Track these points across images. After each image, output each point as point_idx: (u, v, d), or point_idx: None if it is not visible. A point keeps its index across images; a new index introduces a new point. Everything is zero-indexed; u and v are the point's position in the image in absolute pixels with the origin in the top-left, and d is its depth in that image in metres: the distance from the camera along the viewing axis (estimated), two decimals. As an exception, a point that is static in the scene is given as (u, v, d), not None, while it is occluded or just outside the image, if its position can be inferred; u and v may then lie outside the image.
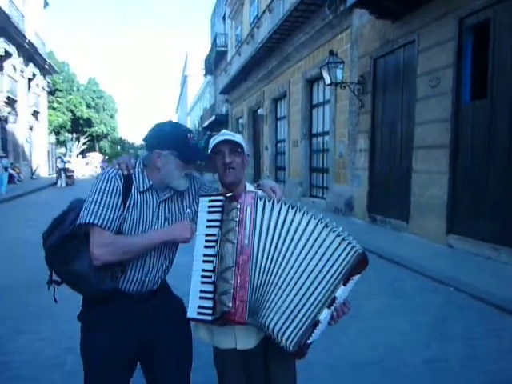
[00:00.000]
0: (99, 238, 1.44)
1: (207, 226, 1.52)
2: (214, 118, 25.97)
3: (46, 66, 27.17)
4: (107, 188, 1.50)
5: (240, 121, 20.65)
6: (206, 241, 1.51)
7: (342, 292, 1.45)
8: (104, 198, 1.47)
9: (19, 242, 7.49)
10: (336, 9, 9.39)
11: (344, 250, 1.44)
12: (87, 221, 1.43)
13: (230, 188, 1.65)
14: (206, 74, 30.88)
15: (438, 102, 6.45)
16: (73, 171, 23.56)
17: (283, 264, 1.44)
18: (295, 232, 1.45)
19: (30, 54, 23.52)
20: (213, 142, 1.66)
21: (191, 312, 1.48)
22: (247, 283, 1.42)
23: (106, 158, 41.85)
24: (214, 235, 1.48)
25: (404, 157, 7.43)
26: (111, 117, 47.84)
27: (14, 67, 21.32)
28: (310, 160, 12.32)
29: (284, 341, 1.44)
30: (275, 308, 1.45)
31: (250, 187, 1.75)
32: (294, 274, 1.44)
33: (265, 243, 1.44)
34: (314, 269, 1.44)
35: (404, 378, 2.83)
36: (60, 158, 23.22)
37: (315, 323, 1.45)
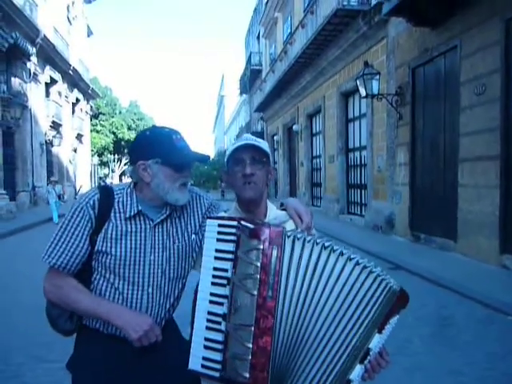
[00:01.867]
0: (51, 275, 1.35)
1: (216, 258, 1.19)
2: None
3: (90, 91, 28.48)
4: (72, 223, 1.32)
5: (275, 138, 20.54)
6: (214, 276, 1.19)
7: (377, 341, 1.14)
8: (64, 235, 1.32)
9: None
10: (370, 20, 9.11)
11: (377, 289, 1.11)
12: (44, 259, 1.33)
13: (249, 207, 1.36)
14: (241, 93, 31.25)
15: (485, 110, 5.95)
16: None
17: (313, 320, 1.11)
18: (328, 279, 1.12)
19: (75, 80, 24.75)
20: (232, 146, 1.35)
21: (194, 363, 1.18)
22: (269, 347, 1.09)
23: None
24: (226, 271, 1.16)
25: (448, 170, 6.91)
26: (151, 138, 49.36)
27: (60, 93, 22.45)
28: (347, 176, 11.90)
29: None
30: (302, 376, 1.13)
31: (272, 207, 1.44)
32: (326, 331, 1.12)
33: (292, 295, 1.11)
34: (347, 321, 1.12)
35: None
36: (101, 179, 24.10)
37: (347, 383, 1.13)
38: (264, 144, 1.35)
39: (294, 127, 16.42)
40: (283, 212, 1.43)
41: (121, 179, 45.87)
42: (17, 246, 9.69)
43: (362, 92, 8.35)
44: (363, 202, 10.83)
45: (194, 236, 1.43)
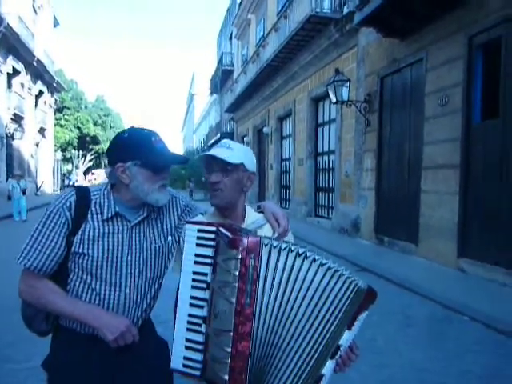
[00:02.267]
0: (27, 276, 1.34)
1: (195, 262, 1.23)
2: (218, 136, 26.02)
3: (54, 84, 27.53)
4: (47, 225, 1.31)
5: (245, 139, 20.59)
6: (194, 280, 1.23)
7: (347, 337, 1.21)
8: (40, 238, 1.31)
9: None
10: (342, 28, 9.35)
11: (346, 290, 1.19)
12: (19, 260, 1.32)
13: (223, 212, 1.41)
14: (211, 93, 31.14)
15: (448, 121, 6.27)
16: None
17: (288, 323, 1.18)
18: (302, 284, 1.18)
19: (39, 72, 23.84)
20: (202, 154, 1.40)
21: (175, 363, 1.22)
22: (247, 351, 1.15)
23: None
24: (205, 275, 1.21)
25: (412, 177, 7.21)
26: (118, 134, 48.28)
27: (22, 85, 21.56)
28: (316, 179, 12.14)
29: None
30: (279, 375, 1.19)
31: (250, 211, 1.48)
32: (300, 333, 1.18)
33: (268, 301, 1.17)
34: (319, 322, 1.19)
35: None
36: (65, 175, 23.39)
37: (318, 379, 1.20)
38: (235, 151, 1.36)
39: (265, 129, 16.54)
40: (260, 215, 1.47)
41: (85, 176, 44.54)
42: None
43: (333, 98, 8.56)
44: (330, 205, 11.09)
45: (169, 237, 1.45)
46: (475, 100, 5.91)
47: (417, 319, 4.36)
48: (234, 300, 1.14)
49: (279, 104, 14.96)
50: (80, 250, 1.31)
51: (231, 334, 1.14)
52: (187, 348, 1.21)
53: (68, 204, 1.32)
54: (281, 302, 1.17)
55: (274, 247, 1.17)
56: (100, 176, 40.30)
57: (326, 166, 11.40)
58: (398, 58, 7.55)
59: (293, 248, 1.18)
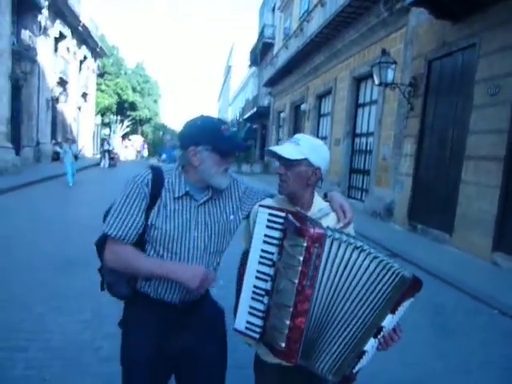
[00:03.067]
0: (112, 244, 1.48)
1: (264, 241, 1.42)
2: (255, 109, 25.96)
3: (98, 49, 28.05)
4: (130, 198, 1.47)
5: (282, 115, 20.50)
6: (261, 257, 1.43)
7: (389, 320, 1.37)
8: (123, 210, 1.46)
9: (67, 221, 7.81)
10: (392, 6, 9.04)
11: (393, 280, 1.33)
12: (105, 230, 1.47)
13: (291, 200, 1.57)
14: (250, 65, 30.85)
15: (496, 111, 6.08)
16: (116, 153, 24.30)
17: (340, 305, 1.36)
18: (356, 273, 1.34)
19: (84, 37, 24.34)
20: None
21: (239, 324, 1.44)
22: (303, 325, 1.34)
23: (145, 141, 42.60)
24: (272, 253, 1.40)
25: (453, 166, 7.09)
26: (155, 102, 48.77)
27: (68, 49, 22.14)
28: (351, 160, 12.06)
29: (330, 375, 1.38)
30: (327, 350, 1.38)
31: (318, 200, 1.62)
32: (350, 313, 1.36)
33: (325, 285, 1.35)
34: (366, 306, 1.35)
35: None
36: (107, 140, 24.03)
37: (361, 354, 1.38)
38: (296, 148, 1.49)
39: (303, 106, 16.40)
40: (327, 204, 1.61)
41: (122, 141, 45.66)
42: (25, 201, 9.88)
43: (376, 80, 8.39)
44: (364, 187, 11.04)
45: (231, 217, 1.61)
46: (528, 91, 5.69)
47: (445, 308, 4.44)
48: (296, 281, 1.32)
49: (319, 81, 14.75)
50: (155, 224, 1.48)
51: (291, 309, 1.32)
52: (250, 314, 1.42)
53: (146, 181, 1.48)
54: (336, 287, 1.35)
55: (336, 239, 1.33)
56: (136, 142, 41.16)
57: (364, 148, 11.29)
58: (448, 42, 7.29)
59: (352, 241, 1.34)
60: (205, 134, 1.48)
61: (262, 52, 25.52)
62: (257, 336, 1.41)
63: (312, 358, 1.38)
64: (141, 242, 1.52)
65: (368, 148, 10.92)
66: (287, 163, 1.51)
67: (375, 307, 1.35)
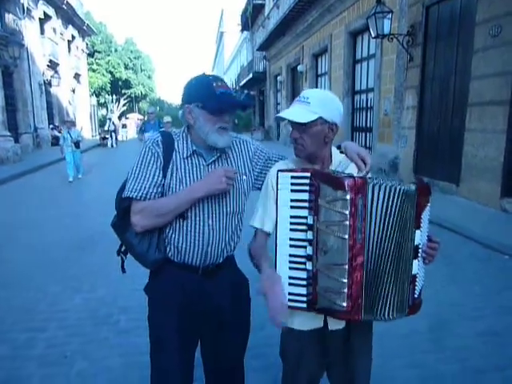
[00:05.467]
0: (135, 206, 1.49)
1: (292, 207, 1.36)
2: (251, 75, 25.41)
3: (85, 28, 27.31)
4: (145, 160, 1.50)
5: (278, 78, 20.07)
6: (292, 223, 1.36)
7: (419, 237, 1.36)
8: (141, 171, 1.49)
9: (75, 204, 7.85)
10: (384, -49, 8.59)
11: (406, 200, 1.31)
12: (126, 194, 1.49)
13: (309, 159, 1.49)
14: (242, 30, 29.95)
15: (499, 53, 5.86)
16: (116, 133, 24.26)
17: (387, 247, 1.32)
18: (392, 210, 1.30)
19: (69, 16, 23.64)
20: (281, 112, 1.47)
21: None
22: (361, 279, 1.29)
23: (139, 119, 42.12)
24: (304, 217, 1.33)
25: (456, 114, 6.93)
26: (149, 77, 47.94)
27: (54, 30, 21.56)
28: (353, 118, 11.85)
29: (396, 315, 1.37)
30: (385, 294, 1.34)
31: (336, 153, 1.54)
32: (395, 251, 1.33)
33: (374, 233, 1.30)
34: (401, 235, 1.33)
35: (454, 351, 2.74)
36: (111, 120, 23.81)
37: (412, 279, 1.37)
38: (306, 108, 1.39)
39: (299, 67, 16.00)
40: (343, 156, 1.54)
41: (120, 120, 45.26)
42: (29, 188, 9.91)
43: (373, 32, 8.09)
44: (368, 145, 10.90)
45: (244, 177, 1.60)
46: (532, 29, 5.46)
47: (456, 258, 4.45)
48: (346, 236, 1.27)
49: (314, 40, 14.31)
50: (170, 184, 1.49)
51: (345, 266, 1.28)
52: (291, 284, 1.37)
53: (157, 142, 1.52)
54: (382, 230, 1.30)
55: (375, 184, 1.28)
56: (134, 120, 40.73)
57: (364, 105, 11.06)
58: (446, -16, 6.96)
59: (386, 182, 1.29)
60: (197, 92, 1.48)
61: (252, 15, 24.67)
62: (304, 306, 1.36)
63: (374, 309, 1.34)
64: None
65: (369, 104, 10.70)
66: (300, 127, 1.42)
67: (406, 231, 1.33)
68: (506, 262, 4.29)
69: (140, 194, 1.48)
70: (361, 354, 1.57)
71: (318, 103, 1.41)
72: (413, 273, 1.36)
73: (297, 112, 1.41)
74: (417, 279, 1.38)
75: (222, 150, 1.55)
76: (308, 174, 1.32)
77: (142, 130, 9.91)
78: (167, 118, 9.16)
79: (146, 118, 13.31)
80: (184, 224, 1.52)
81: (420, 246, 1.37)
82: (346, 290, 1.28)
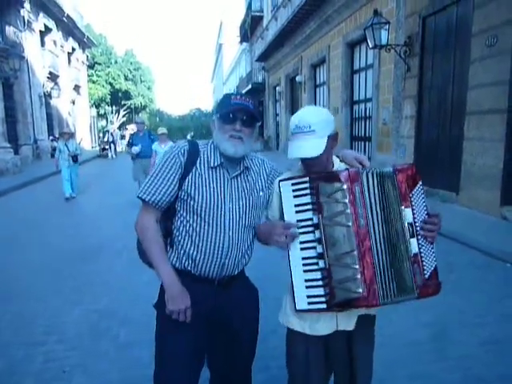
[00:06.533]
0: (144, 211, 1.57)
1: (297, 212, 1.42)
2: (250, 86, 25.56)
3: (85, 40, 27.55)
4: (166, 166, 1.54)
5: (277, 89, 20.20)
6: (300, 227, 1.41)
7: (409, 215, 1.40)
8: (159, 177, 1.54)
9: (75, 215, 7.83)
10: (381, -36, 8.72)
11: (389, 180, 1.40)
12: (139, 195, 1.56)
13: (310, 167, 1.50)
14: (241, 42, 30.21)
15: (495, 62, 5.91)
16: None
17: (386, 230, 1.38)
18: (388, 196, 1.39)
19: (69, 28, 23.86)
20: (290, 123, 1.49)
21: (301, 304, 1.41)
22: (372, 263, 1.35)
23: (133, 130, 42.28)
24: (310, 219, 1.39)
25: (454, 123, 6.97)
26: (148, 88, 48.19)
27: (55, 42, 21.75)
28: (352, 128, 11.90)
29: (402, 297, 1.40)
30: (392, 277, 1.38)
31: (337, 162, 1.57)
32: (396, 232, 1.39)
33: (377, 218, 1.37)
34: (394, 216, 1.40)
35: (457, 360, 2.72)
36: (109, 131, 24.01)
37: (414, 259, 1.39)
38: (313, 137, 1.41)
39: (297, 78, 16.11)
40: (343, 164, 1.59)
41: (120, 130, 45.40)
42: (29, 199, 9.90)
43: (371, 43, 8.17)
44: (367, 154, 10.93)
45: (261, 193, 1.64)
46: (527, 39, 5.52)
47: (458, 266, 4.43)
48: (350, 223, 1.34)
49: (312, 51, 14.44)
50: (191, 193, 1.52)
51: (355, 252, 1.34)
52: (308, 287, 1.41)
53: (182, 151, 1.56)
54: (383, 215, 1.38)
55: (368, 173, 1.37)
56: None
57: (363, 115, 11.12)
58: (442, -4, 7.05)
59: (377, 169, 1.39)
60: (218, 105, 1.61)
61: (251, 26, 24.92)
62: (324, 306, 1.39)
63: (389, 293, 1.37)
64: (171, 212, 1.58)
65: (367, 114, 10.76)
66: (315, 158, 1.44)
67: (395, 211, 1.39)
68: (507, 269, 4.27)
69: (152, 198, 1.53)
70: (363, 358, 1.59)
71: (322, 126, 1.43)
72: (413, 252, 1.39)
73: (308, 146, 1.41)
74: (422, 259, 1.40)
75: (246, 166, 1.61)
76: (306, 179, 1.40)
77: (129, 143, 8.56)
78: (162, 130, 7.74)
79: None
80: (206, 234, 1.54)
81: (417, 225, 1.40)
82: (359, 276, 1.33)
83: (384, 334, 3.07)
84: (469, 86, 6.47)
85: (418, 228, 1.40)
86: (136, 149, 7.99)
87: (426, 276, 1.40)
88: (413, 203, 1.40)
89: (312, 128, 1.41)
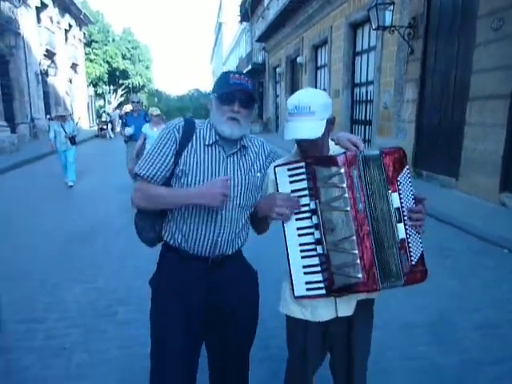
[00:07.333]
0: (137, 183, 1.56)
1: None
2: (250, 67, 25.22)
3: (82, 17, 26.99)
4: (160, 142, 1.54)
5: (277, 70, 19.95)
6: (297, 213, 1.39)
7: (396, 199, 1.36)
8: (154, 152, 1.53)
9: (73, 195, 7.81)
10: None
11: (377, 165, 1.36)
12: (135, 170, 1.55)
13: (307, 150, 1.48)
14: (241, 21, 29.67)
15: (500, 47, 5.83)
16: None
17: (379, 213, 1.36)
18: (377, 176, 1.36)
19: (66, 5, 23.35)
20: (288, 104, 1.44)
21: (299, 290, 1.40)
22: (371, 248, 1.33)
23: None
24: (307, 205, 1.37)
25: (456, 108, 6.91)
26: (147, 68, 47.51)
27: (51, 19, 21.31)
28: (352, 111, 11.81)
29: (388, 283, 1.37)
30: (392, 258, 1.37)
31: (332, 145, 1.54)
32: (383, 216, 1.36)
33: (374, 202, 1.35)
34: (383, 200, 1.37)
35: (453, 343, 2.76)
36: (106, 112, 23.75)
37: (400, 244, 1.37)
38: (312, 119, 1.37)
39: (298, 59, 15.89)
40: (338, 147, 1.55)
41: (118, 110, 44.96)
42: (27, 178, 9.85)
43: (374, 24, 8.02)
44: (367, 138, 10.88)
45: (258, 174, 1.61)
46: (534, 22, 5.42)
47: (455, 252, 4.46)
48: (348, 208, 1.32)
49: (314, 31, 14.20)
50: (184, 168, 1.51)
51: (354, 237, 1.33)
52: (306, 273, 1.39)
53: (177, 127, 1.54)
54: (380, 198, 1.35)
55: (364, 156, 1.35)
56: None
57: (364, 98, 11.02)
58: (448, -24, 6.90)
59: (364, 154, 1.36)
60: (216, 83, 1.55)
61: (252, 5, 24.45)
62: (323, 292, 1.38)
63: (388, 277, 1.36)
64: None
65: (368, 97, 10.66)
66: (314, 141, 1.40)
67: (382, 195, 1.36)
68: (504, 255, 4.30)
69: (147, 173, 1.52)
70: (361, 338, 1.61)
71: (322, 109, 1.39)
72: (400, 237, 1.36)
73: (307, 128, 1.37)
74: (409, 245, 1.37)
75: (243, 145, 1.58)
76: (302, 164, 1.37)
77: (123, 123, 7.74)
78: (155, 111, 6.70)
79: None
80: (197, 212, 1.52)
81: (403, 209, 1.37)
82: (358, 261, 1.32)
83: (380, 317, 3.10)
84: (472, 70, 6.39)
85: (405, 213, 1.37)
86: (129, 130, 7.11)
87: (413, 262, 1.38)
88: (400, 187, 1.36)
89: (312, 110, 1.37)
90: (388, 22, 7.87)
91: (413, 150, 8.22)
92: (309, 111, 1.38)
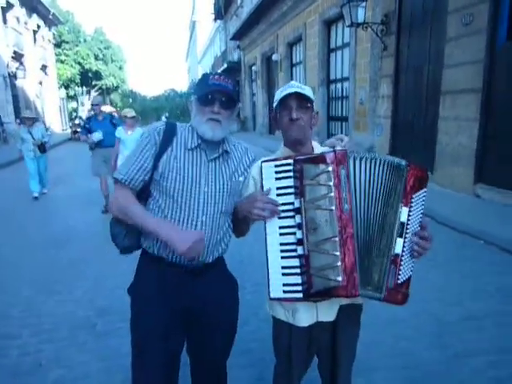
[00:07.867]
0: (117, 189, 1.53)
1: (278, 195, 1.35)
2: (225, 65, 25.08)
3: (50, 17, 26.24)
4: (140, 146, 1.51)
5: (253, 68, 19.90)
6: (281, 211, 1.35)
7: (405, 215, 1.32)
8: (133, 155, 1.51)
9: (47, 199, 7.56)
10: None
11: (391, 172, 1.32)
12: (114, 175, 1.53)
13: (296, 147, 1.51)
14: (215, 19, 29.45)
15: (471, 42, 5.94)
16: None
17: (374, 220, 1.32)
18: (375, 182, 1.32)
19: (33, 4, 22.64)
20: (279, 94, 1.51)
21: (275, 291, 1.35)
22: (353, 251, 1.28)
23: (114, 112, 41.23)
24: (291, 203, 1.33)
25: (430, 103, 7.02)
26: (120, 68, 46.66)
27: (18, 19, 20.63)
28: (328, 108, 11.87)
29: (373, 293, 1.33)
30: (378, 268, 1.32)
31: (317, 146, 1.58)
32: (383, 224, 1.32)
33: (360, 203, 1.31)
34: (386, 208, 1.33)
35: (436, 337, 2.78)
36: (80, 117, 23.29)
37: (394, 258, 1.32)
38: (308, 91, 1.49)
39: (274, 56, 15.88)
40: (325, 148, 1.57)
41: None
42: (-4, 185, 9.50)
43: (347, 20, 8.07)
44: (344, 134, 10.95)
45: (240, 178, 1.57)
46: (502, 18, 5.54)
47: (433, 244, 4.50)
48: (333, 208, 1.27)
49: (289, 29, 14.20)
50: (163, 172, 1.46)
51: (336, 239, 1.27)
52: (284, 274, 1.34)
53: (158, 130, 1.52)
54: (369, 201, 1.31)
55: (356, 157, 1.31)
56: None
57: (340, 94, 11.09)
58: (418, -27, 6.99)
59: (367, 156, 1.31)
60: (197, 85, 1.55)
61: (225, 3, 24.30)
62: (300, 295, 1.33)
63: (370, 284, 1.32)
64: (144, 193, 1.53)
65: (344, 94, 10.73)
66: (304, 106, 1.48)
67: (390, 203, 1.33)
68: (481, 247, 4.38)
69: (125, 177, 1.49)
70: (346, 345, 1.59)
71: (309, 92, 1.51)
72: (395, 251, 1.32)
73: (304, 88, 1.49)
74: (402, 262, 1.33)
75: (225, 150, 1.56)
76: (291, 161, 1.34)
77: (85, 128, 6.51)
78: (130, 112, 6.18)
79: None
80: (176, 217, 1.47)
81: (408, 227, 1.34)
82: (339, 264, 1.27)
83: (365, 312, 3.11)
84: (444, 65, 6.49)
85: (409, 231, 1.34)
86: (98, 135, 6.21)
87: (399, 281, 1.34)
88: (412, 205, 1.33)
89: (302, 87, 1.50)
90: (361, 19, 7.93)
91: (389, 145, 8.32)
92: (300, 86, 1.49)
